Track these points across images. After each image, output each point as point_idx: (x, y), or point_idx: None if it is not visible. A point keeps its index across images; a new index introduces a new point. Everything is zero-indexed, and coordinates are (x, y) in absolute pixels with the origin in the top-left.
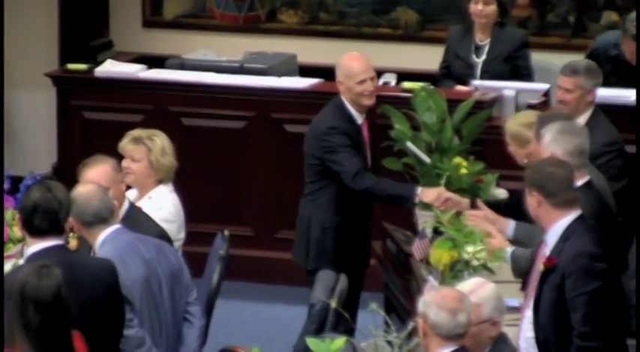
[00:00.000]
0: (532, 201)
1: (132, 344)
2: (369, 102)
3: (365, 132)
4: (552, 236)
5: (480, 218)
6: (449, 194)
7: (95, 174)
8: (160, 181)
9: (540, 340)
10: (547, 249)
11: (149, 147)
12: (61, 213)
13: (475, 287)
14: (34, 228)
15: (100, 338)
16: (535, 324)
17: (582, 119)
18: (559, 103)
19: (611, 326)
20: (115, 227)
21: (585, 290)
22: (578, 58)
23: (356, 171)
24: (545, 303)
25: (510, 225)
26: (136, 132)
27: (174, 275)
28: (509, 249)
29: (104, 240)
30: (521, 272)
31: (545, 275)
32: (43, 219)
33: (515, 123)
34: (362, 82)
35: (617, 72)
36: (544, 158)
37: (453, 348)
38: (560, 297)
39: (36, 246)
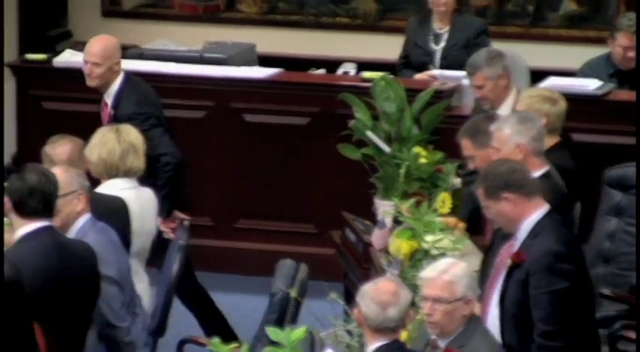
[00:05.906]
0: (505, 206)
1: None
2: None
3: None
4: (523, 232)
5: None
6: None
7: (62, 151)
8: (106, 176)
9: (505, 336)
10: (516, 245)
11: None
12: (54, 196)
13: (448, 266)
14: (29, 209)
15: (86, 318)
16: (501, 319)
17: (506, 105)
18: (481, 100)
19: (575, 326)
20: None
21: (550, 290)
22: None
23: None
24: (510, 299)
25: None
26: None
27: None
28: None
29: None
30: None
31: (511, 271)
32: (40, 202)
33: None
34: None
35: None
36: (493, 161)
37: (384, 342)
38: (524, 294)
39: (27, 227)
